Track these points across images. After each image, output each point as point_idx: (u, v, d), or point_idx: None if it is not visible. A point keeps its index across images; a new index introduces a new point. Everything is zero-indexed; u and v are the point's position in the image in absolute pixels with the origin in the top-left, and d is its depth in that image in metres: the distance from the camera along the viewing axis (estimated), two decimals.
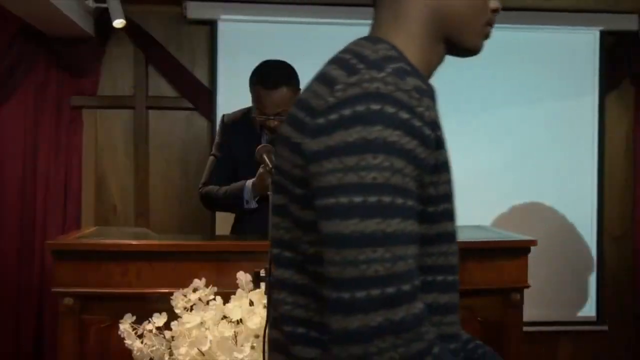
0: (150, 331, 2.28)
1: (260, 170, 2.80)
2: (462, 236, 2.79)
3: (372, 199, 1.08)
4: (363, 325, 1.06)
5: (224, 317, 2.20)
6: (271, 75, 2.88)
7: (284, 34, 4.24)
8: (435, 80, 1.37)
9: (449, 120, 4.53)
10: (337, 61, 1.25)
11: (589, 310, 4.54)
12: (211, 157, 3.17)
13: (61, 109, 4.23)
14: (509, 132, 4.42)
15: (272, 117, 2.86)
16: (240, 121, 3.13)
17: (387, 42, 1.30)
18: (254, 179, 2.89)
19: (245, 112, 3.13)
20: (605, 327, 4.56)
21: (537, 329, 4.39)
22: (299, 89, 2.94)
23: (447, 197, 1.37)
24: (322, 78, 1.21)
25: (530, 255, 2.71)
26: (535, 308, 4.21)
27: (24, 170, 4.21)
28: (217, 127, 3.21)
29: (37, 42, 4.14)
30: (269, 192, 2.15)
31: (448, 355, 1.20)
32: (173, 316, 2.27)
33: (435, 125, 1.19)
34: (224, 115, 3.21)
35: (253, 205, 2.94)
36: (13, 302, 4.18)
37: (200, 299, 2.27)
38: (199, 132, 4.38)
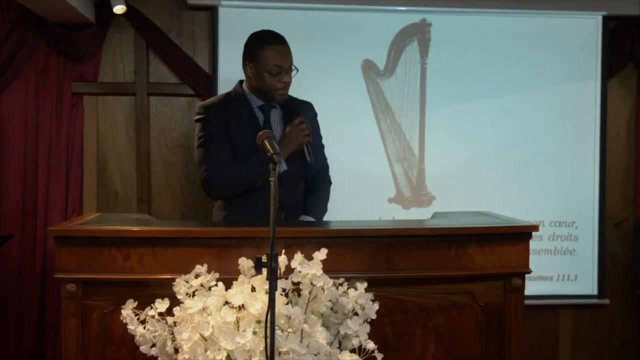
0: (153, 317, 2.29)
1: (288, 128, 3.04)
2: (464, 222, 2.81)
3: None
4: None
5: (226, 302, 2.21)
6: (275, 33, 3.11)
7: (284, 20, 4.23)
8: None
9: (452, 105, 4.60)
10: None
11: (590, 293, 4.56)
12: (200, 148, 3.07)
13: (62, 95, 4.22)
14: (511, 117, 4.42)
15: (286, 72, 3.05)
16: (225, 101, 3.17)
17: None
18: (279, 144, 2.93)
19: (227, 94, 3.21)
20: (606, 301, 4.60)
21: (538, 302, 4.42)
22: None
23: None
24: None
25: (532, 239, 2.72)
26: (535, 284, 4.26)
27: (26, 156, 4.21)
28: (200, 116, 3.12)
29: (38, 28, 4.13)
30: (270, 178, 2.14)
31: None
32: (175, 302, 2.27)
33: None
34: (201, 103, 3.20)
35: (284, 166, 3.03)
36: (16, 288, 4.19)
37: (202, 285, 2.28)
38: None
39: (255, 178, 2.98)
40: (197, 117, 3.14)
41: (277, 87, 3.06)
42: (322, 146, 3.33)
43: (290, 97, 3.21)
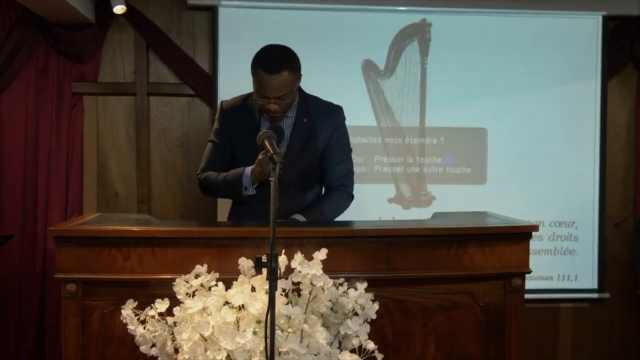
0: (153, 317, 2.29)
1: (260, 157, 2.78)
2: (464, 222, 2.81)
3: None
4: None
5: (226, 302, 2.21)
6: (273, 60, 2.86)
7: (284, 19, 4.24)
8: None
9: (452, 105, 4.57)
10: None
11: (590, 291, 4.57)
12: (209, 143, 3.15)
13: (62, 95, 4.22)
14: (511, 117, 4.42)
15: (273, 101, 2.86)
16: (239, 107, 3.10)
17: None
18: (252, 166, 2.86)
19: (245, 98, 3.11)
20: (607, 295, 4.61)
21: (538, 296, 4.43)
22: (300, 74, 2.93)
23: None
24: None
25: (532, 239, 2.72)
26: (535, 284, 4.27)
27: (26, 156, 4.21)
28: (216, 115, 3.17)
29: (38, 28, 4.13)
30: (270, 178, 2.14)
31: None
32: (175, 302, 2.27)
33: None
34: (222, 102, 3.18)
35: (251, 191, 2.93)
36: (16, 288, 4.19)
37: (202, 285, 2.28)
38: (200, 118, 4.38)
39: (225, 193, 3.08)
40: (216, 114, 3.19)
41: (264, 109, 2.92)
42: (345, 154, 3.14)
43: (317, 100, 3.11)
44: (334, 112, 3.12)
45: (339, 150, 3.11)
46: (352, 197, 3.17)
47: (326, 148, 3.08)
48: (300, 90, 3.06)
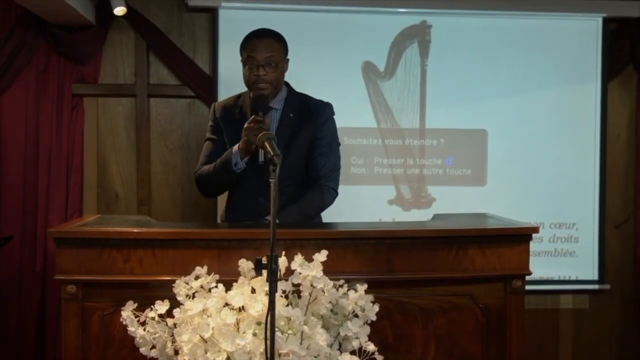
0: (153, 318, 2.29)
1: (245, 125, 2.86)
2: (464, 224, 2.81)
3: None
4: None
5: (226, 304, 2.21)
6: (261, 29, 3.06)
7: (284, 21, 4.21)
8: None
9: (452, 107, 4.57)
10: None
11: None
12: (206, 142, 3.19)
13: (62, 96, 4.23)
14: (511, 119, 4.42)
15: (262, 64, 2.96)
16: (230, 105, 3.17)
17: None
18: (239, 144, 2.93)
19: (237, 97, 3.18)
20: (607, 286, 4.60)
21: (538, 287, 4.44)
22: (287, 57, 3.07)
23: None
24: None
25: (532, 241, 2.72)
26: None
27: (26, 157, 4.21)
28: (209, 115, 3.25)
29: (38, 29, 4.14)
30: (271, 179, 2.14)
31: None
32: (175, 303, 2.27)
33: None
34: (214, 103, 3.28)
35: (242, 165, 2.95)
36: (16, 289, 4.19)
37: (202, 287, 2.28)
38: (200, 119, 4.38)
39: (218, 177, 3.04)
40: (209, 115, 3.26)
41: (253, 81, 3.00)
42: (330, 148, 3.15)
43: (306, 97, 3.16)
44: (322, 108, 3.16)
45: (323, 143, 3.14)
46: (335, 192, 3.16)
47: (312, 142, 3.11)
48: (289, 87, 3.15)
